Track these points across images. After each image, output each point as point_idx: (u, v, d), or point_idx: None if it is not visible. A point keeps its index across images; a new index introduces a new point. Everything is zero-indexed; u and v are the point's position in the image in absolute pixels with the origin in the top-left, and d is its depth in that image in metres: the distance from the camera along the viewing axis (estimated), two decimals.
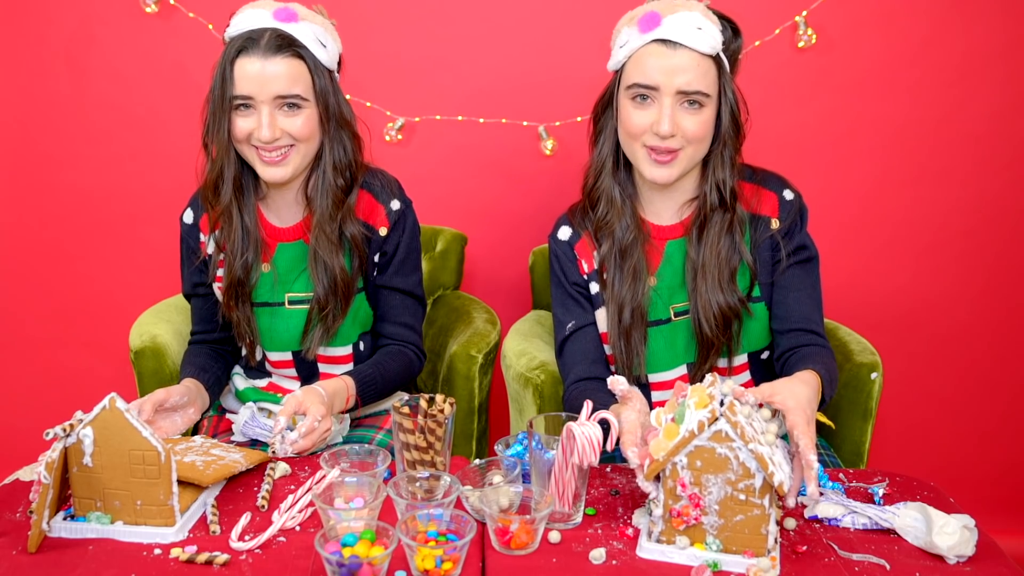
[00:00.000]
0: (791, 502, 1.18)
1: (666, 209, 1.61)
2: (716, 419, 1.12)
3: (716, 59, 1.50)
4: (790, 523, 1.26)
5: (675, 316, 1.60)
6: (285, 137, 1.54)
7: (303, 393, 1.49)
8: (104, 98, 2.23)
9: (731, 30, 1.54)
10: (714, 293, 1.55)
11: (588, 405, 1.27)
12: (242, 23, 1.55)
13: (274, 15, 1.55)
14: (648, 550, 1.18)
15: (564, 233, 1.67)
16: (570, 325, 1.65)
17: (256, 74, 1.51)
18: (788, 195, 1.59)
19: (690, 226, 1.59)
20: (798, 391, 1.28)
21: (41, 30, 2.20)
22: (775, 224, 1.58)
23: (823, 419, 1.39)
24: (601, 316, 1.64)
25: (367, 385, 1.62)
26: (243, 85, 1.52)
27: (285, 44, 1.53)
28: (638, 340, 1.58)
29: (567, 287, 1.66)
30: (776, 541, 1.18)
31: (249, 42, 1.52)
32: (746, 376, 1.64)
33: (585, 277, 1.65)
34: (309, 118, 1.56)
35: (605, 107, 1.59)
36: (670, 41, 1.47)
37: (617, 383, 1.31)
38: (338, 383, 1.58)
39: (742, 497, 1.14)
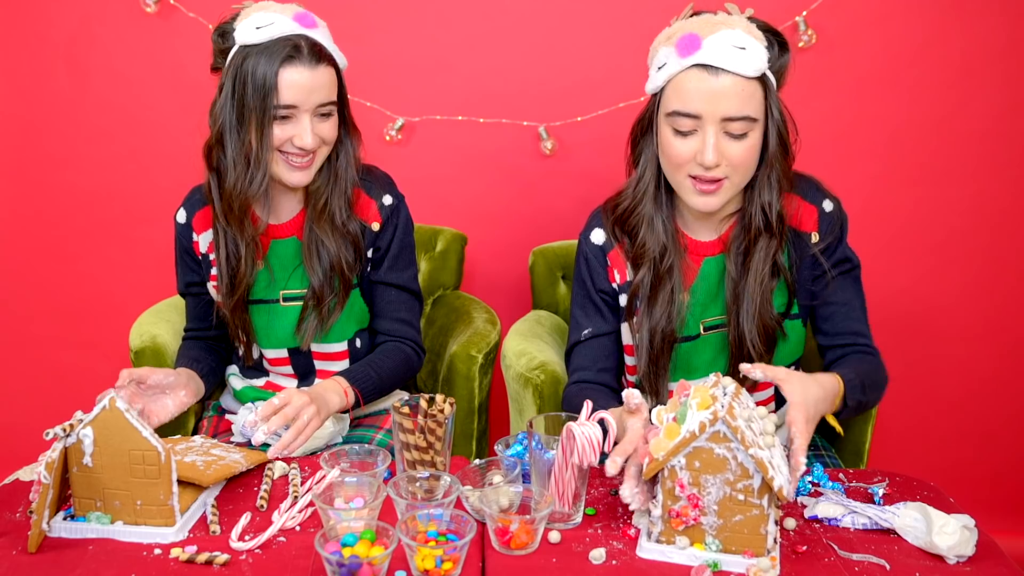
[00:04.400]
0: (790, 496, 1.18)
1: (704, 227, 1.56)
2: (717, 420, 1.12)
3: (762, 79, 1.42)
4: (790, 523, 1.26)
5: (704, 331, 1.56)
6: (317, 142, 1.55)
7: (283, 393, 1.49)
8: (104, 98, 2.23)
9: (778, 45, 1.45)
10: (758, 317, 1.50)
11: (588, 405, 1.27)
12: (267, 28, 1.50)
13: (298, 21, 1.53)
14: (648, 550, 1.18)
15: (598, 237, 1.59)
16: (586, 332, 1.61)
17: (304, 84, 1.50)
18: (828, 206, 1.54)
19: (728, 242, 1.54)
20: (809, 388, 1.28)
21: (41, 30, 2.20)
22: (815, 238, 1.53)
23: (832, 422, 1.38)
24: (625, 328, 1.60)
25: (361, 381, 1.61)
26: (289, 94, 1.50)
27: (323, 52, 1.53)
28: (665, 363, 1.55)
29: (591, 292, 1.61)
30: (776, 541, 1.18)
31: (295, 51, 1.50)
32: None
33: (615, 286, 1.60)
34: (335, 122, 1.58)
35: (644, 131, 1.51)
36: (711, 66, 1.38)
37: (632, 396, 1.27)
38: (326, 381, 1.59)
39: (741, 497, 1.14)
